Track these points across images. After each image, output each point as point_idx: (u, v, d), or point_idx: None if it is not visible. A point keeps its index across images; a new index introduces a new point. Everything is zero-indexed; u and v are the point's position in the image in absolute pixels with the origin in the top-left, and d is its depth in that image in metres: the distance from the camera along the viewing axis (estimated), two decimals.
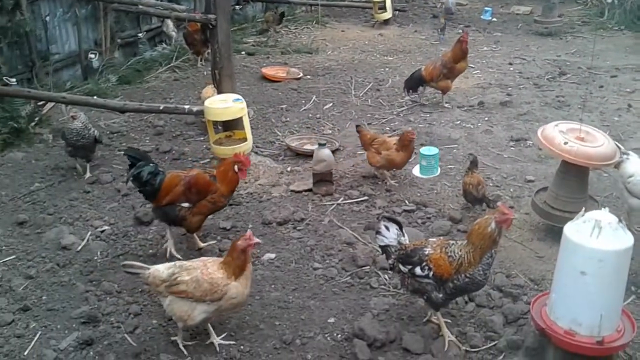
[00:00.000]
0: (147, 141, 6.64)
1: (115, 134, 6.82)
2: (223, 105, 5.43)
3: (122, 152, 4.50)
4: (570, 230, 3.15)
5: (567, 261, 3.16)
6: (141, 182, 4.23)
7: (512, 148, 6.40)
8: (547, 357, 3.31)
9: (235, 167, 4.31)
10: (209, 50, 9.55)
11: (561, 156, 4.27)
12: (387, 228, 3.56)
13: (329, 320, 3.70)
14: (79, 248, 4.49)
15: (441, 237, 3.72)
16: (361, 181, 5.61)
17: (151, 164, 4.32)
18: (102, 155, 6.14)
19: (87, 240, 4.58)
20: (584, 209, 3.21)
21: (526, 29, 12.51)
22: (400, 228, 3.58)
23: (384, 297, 3.94)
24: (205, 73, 9.14)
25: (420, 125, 7.03)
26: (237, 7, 12.74)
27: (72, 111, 5.60)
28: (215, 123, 5.75)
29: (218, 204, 4.35)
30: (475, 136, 6.69)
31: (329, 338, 3.56)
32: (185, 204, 4.23)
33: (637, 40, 11.39)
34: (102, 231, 4.74)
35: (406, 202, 5.21)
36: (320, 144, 5.34)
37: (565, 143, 4.23)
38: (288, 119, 7.32)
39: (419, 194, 5.37)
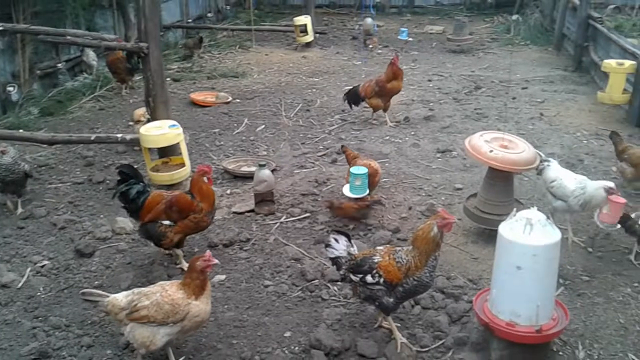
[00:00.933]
0: (78, 172, 6.48)
1: (43, 167, 6.61)
2: (159, 131, 5.43)
3: (116, 168, 4.55)
4: (505, 229, 3.43)
5: (503, 258, 3.43)
6: (127, 199, 4.37)
7: (439, 159, 6.75)
8: (492, 349, 3.56)
9: (205, 179, 4.42)
10: (134, 78, 9.53)
11: (488, 163, 4.60)
12: (336, 240, 3.70)
13: (285, 335, 3.79)
14: (20, 285, 4.33)
15: (387, 245, 3.90)
16: (301, 199, 5.75)
17: (141, 183, 4.44)
18: (32, 189, 5.94)
19: (28, 277, 4.43)
20: (515, 209, 3.51)
21: (440, 47, 13.22)
22: (349, 239, 3.75)
23: (336, 307, 4.07)
24: (131, 101, 9.06)
25: (352, 142, 7.29)
26: None
27: (1, 146, 5.40)
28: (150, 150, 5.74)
29: (201, 224, 4.45)
30: (404, 150, 7.01)
31: (287, 351, 3.65)
32: (166, 222, 4.34)
33: (541, 53, 12.32)
34: (42, 266, 4.59)
35: None
36: (260, 165, 5.44)
37: (491, 151, 4.57)
38: (222, 142, 7.37)
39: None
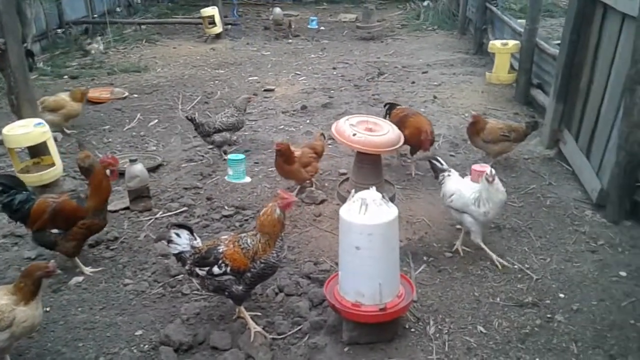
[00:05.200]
0: None
1: None
2: (23, 131, 5.19)
3: None
4: (344, 211, 3.44)
5: (344, 239, 3.45)
6: (12, 210, 4.17)
7: (329, 146, 6.74)
8: (343, 331, 3.57)
9: (107, 172, 4.27)
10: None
11: (352, 147, 4.62)
12: (178, 235, 3.60)
13: (136, 333, 3.67)
14: None
15: (232, 233, 3.84)
16: (182, 193, 5.63)
17: (24, 192, 4.24)
18: None
19: None
20: (353, 191, 3.52)
21: (351, 35, 13.31)
22: (191, 232, 3.66)
23: (196, 301, 3.99)
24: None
25: (246, 133, 7.21)
26: (59, 30, 12.22)
27: None
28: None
29: (93, 228, 4.29)
30: (296, 138, 6.98)
31: (135, 350, 3.53)
32: (55, 231, 4.18)
33: (447, 38, 12.59)
34: None
35: (225, 207, 5.31)
36: (131, 161, 5.29)
37: (354, 134, 4.58)
38: (110, 139, 7.14)
39: (239, 199, 5.50)
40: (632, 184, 4.73)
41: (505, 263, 4.24)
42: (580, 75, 5.80)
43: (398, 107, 6.19)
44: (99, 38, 11.92)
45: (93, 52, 11.28)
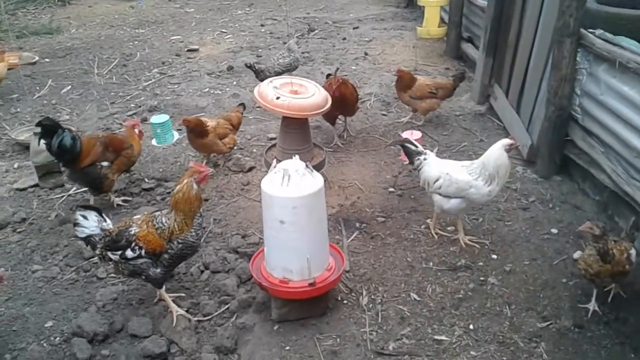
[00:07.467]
0: None
1: None
2: None
3: (36, 125, 4.35)
4: (266, 183, 3.20)
5: (268, 214, 3.22)
6: (64, 149, 4.22)
7: (258, 109, 6.44)
8: (272, 308, 3.38)
9: (136, 130, 4.73)
10: None
11: (276, 111, 4.33)
12: (85, 217, 3.28)
13: (46, 325, 3.37)
14: None
15: (145, 212, 3.55)
16: None
17: (66, 130, 4.32)
18: None
19: None
20: (275, 160, 3.28)
21: None
22: (100, 214, 3.34)
23: (113, 285, 3.70)
24: None
25: (168, 98, 6.78)
26: None
27: None
28: None
29: (132, 159, 4.67)
30: (223, 101, 6.63)
31: (45, 344, 3.24)
32: (105, 163, 4.43)
33: None
34: None
35: (146, 180, 4.97)
36: (35, 133, 4.81)
37: (278, 98, 4.29)
38: (19, 109, 6.56)
39: (160, 170, 5.17)
40: (561, 138, 4.70)
41: (443, 233, 4.13)
42: (509, 28, 5.69)
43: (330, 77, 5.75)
44: None
45: None
